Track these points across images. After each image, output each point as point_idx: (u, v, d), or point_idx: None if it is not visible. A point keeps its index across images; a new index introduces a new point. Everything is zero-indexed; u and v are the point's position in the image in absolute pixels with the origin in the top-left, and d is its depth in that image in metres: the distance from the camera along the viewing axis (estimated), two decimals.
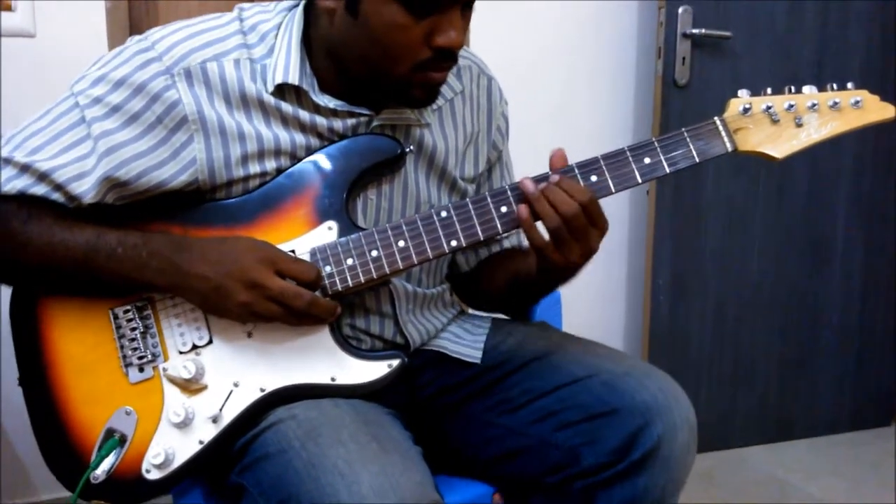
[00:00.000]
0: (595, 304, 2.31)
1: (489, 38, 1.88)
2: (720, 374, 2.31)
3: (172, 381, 0.97)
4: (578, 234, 0.93)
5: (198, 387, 0.96)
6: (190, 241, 0.95)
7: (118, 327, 0.98)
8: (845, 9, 2.20)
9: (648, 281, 2.20)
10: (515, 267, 1.12)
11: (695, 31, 2.07)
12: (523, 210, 0.94)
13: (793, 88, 1.05)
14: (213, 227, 0.98)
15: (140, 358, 0.97)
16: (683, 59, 2.10)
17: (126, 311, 0.98)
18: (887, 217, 2.38)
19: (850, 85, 1.06)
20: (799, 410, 2.40)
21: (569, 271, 1.00)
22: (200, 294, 0.94)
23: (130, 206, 0.99)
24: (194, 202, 0.99)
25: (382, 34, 0.92)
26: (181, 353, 0.98)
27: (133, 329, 0.98)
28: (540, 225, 0.95)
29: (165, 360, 0.98)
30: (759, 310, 2.31)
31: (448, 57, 0.95)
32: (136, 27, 1.86)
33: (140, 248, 0.93)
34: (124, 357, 0.98)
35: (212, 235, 0.97)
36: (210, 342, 0.98)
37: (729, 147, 1.01)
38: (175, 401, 0.96)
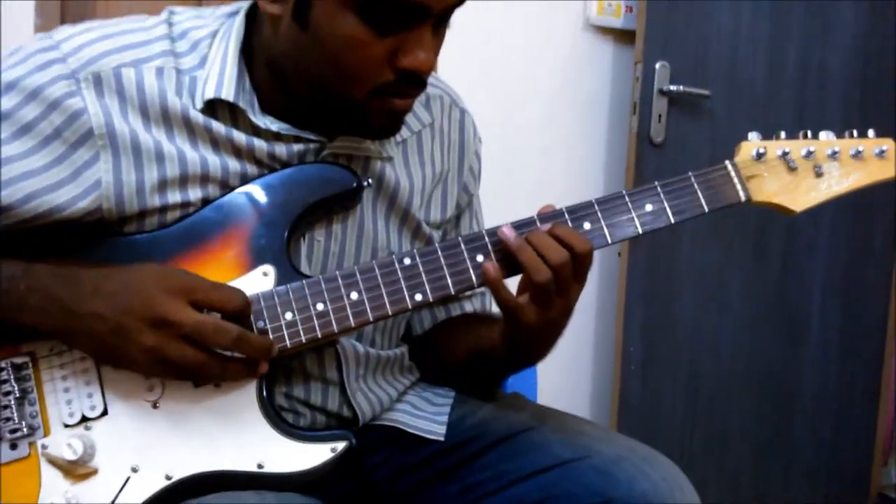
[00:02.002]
0: (560, 373, 2.17)
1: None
2: (692, 453, 2.19)
3: (53, 462, 0.77)
4: (562, 286, 0.80)
5: (85, 471, 0.77)
6: (80, 272, 0.77)
7: None
8: (825, 68, 2.18)
9: (619, 349, 2.08)
10: (477, 337, 0.95)
11: (672, 87, 2.00)
12: (490, 268, 0.80)
13: (809, 133, 0.93)
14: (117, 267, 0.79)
15: (13, 431, 0.77)
16: (660, 116, 2.01)
17: None
18: (865, 290, 2.31)
19: (871, 133, 0.94)
20: (773, 494, 2.30)
21: (544, 335, 0.86)
22: (94, 339, 0.75)
23: (13, 238, 0.80)
24: (96, 236, 0.81)
25: (336, 50, 0.77)
26: (67, 426, 0.78)
27: (6, 393, 0.78)
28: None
29: (46, 434, 0.78)
30: (733, 385, 2.22)
31: (414, 82, 0.81)
32: None
33: (17, 280, 0.75)
34: None
35: None
36: (104, 413, 0.78)
37: (742, 196, 0.88)
38: (55, 488, 0.77)
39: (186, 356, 0.74)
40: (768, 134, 0.93)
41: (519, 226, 0.83)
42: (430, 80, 0.96)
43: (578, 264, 0.80)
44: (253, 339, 0.77)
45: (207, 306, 0.76)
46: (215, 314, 0.76)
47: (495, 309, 1.04)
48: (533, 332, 0.83)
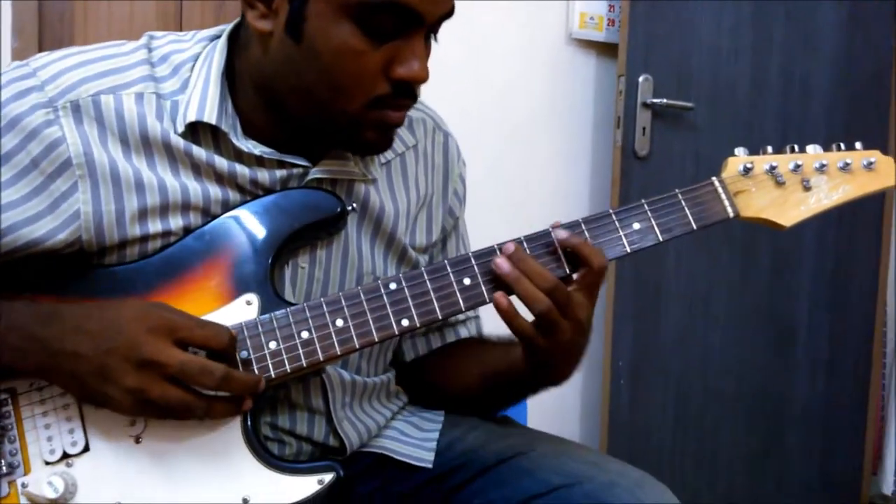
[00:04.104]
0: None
1: (436, 106, 1.76)
2: (683, 466, 2.18)
3: (34, 501, 0.75)
4: (563, 309, 0.79)
5: None
6: (61, 309, 0.75)
7: None
8: (807, 78, 2.18)
9: (608, 364, 2.05)
10: (492, 361, 0.94)
11: (656, 100, 1.99)
12: (502, 299, 0.78)
13: (796, 147, 0.92)
14: (97, 300, 0.77)
15: None
16: (644, 129, 2.00)
17: None
18: (851, 300, 2.31)
19: (858, 145, 0.94)
20: None
21: (564, 356, 0.85)
22: (75, 379, 0.73)
23: None
24: (76, 267, 0.79)
25: (332, 61, 0.76)
26: (48, 463, 0.76)
27: None
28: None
29: (26, 472, 0.76)
30: (722, 398, 2.21)
31: (408, 93, 0.80)
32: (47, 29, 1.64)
33: None
34: None
35: None
36: (86, 449, 0.76)
37: (730, 212, 0.87)
38: None
39: (170, 397, 0.72)
40: (753, 145, 0.93)
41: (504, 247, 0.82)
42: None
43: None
44: (239, 377, 0.75)
45: (192, 344, 0.74)
46: (200, 352, 0.74)
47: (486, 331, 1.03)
48: (550, 355, 0.82)
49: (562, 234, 0.81)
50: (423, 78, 0.78)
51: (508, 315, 0.78)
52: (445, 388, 0.99)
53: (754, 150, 0.92)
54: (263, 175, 0.83)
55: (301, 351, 0.78)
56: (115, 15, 1.71)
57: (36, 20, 1.63)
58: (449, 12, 0.79)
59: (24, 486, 0.75)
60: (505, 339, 0.91)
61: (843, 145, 0.92)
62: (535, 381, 0.90)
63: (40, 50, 1.63)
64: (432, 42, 0.83)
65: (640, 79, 1.99)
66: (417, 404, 1.01)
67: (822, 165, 0.90)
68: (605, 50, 2.12)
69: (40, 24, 1.64)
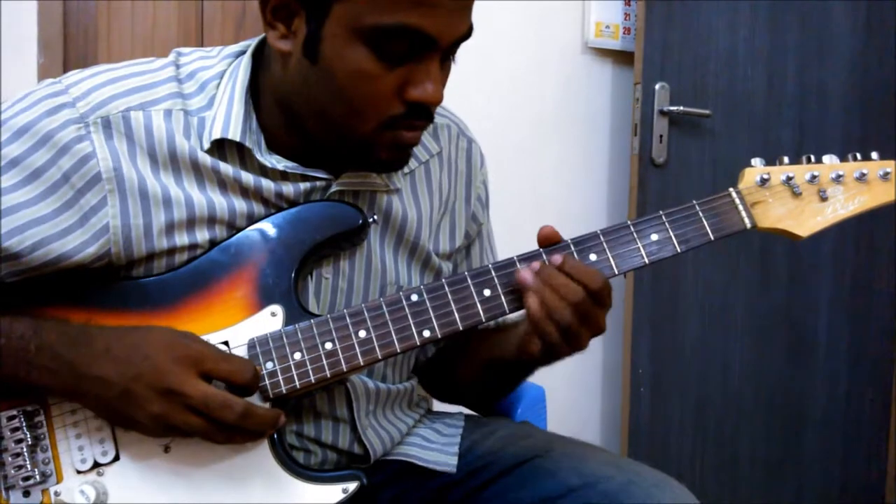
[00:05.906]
0: (570, 397, 2.15)
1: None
2: (703, 473, 2.17)
3: None
4: (585, 319, 0.79)
5: None
6: (90, 332, 0.76)
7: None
8: (823, 84, 2.17)
9: (627, 372, 2.05)
10: (490, 350, 0.96)
11: (672, 108, 1.99)
12: (534, 304, 0.79)
13: (812, 158, 0.93)
14: (126, 313, 0.80)
15: (25, 479, 0.77)
16: (661, 136, 2.01)
17: (11, 419, 0.78)
18: (871, 305, 2.29)
19: (874, 155, 0.94)
20: None
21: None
22: (102, 402, 0.76)
23: (23, 285, 0.80)
24: (104, 280, 0.81)
25: (346, 83, 0.78)
26: (79, 472, 0.78)
27: (19, 441, 0.78)
28: None
29: (59, 481, 0.78)
30: (742, 404, 2.20)
31: (422, 114, 0.81)
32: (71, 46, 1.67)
33: (28, 339, 0.75)
34: (5, 477, 0.78)
35: (124, 323, 0.78)
36: (116, 459, 0.78)
37: (748, 223, 0.88)
38: None
39: (192, 425, 0.74)
40: (770, 151, 0.93)
41: (524, 259, 0.83)
42: (438, 109, 0.97)
43: (597, 296, 0.80)
44: (259, 414, 0.76)
45: (216, 377, 0.75)
46: (223, 384, 0.76)
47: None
48: (561, 356, 0.83)
49: (556, 258, 0.81)
50: (437, 100, 0.79)
51: (538, 320, 0.79)
52: (458, 379, 1.02)
53: (771, 157, 0.92)
54: (288, 188, 0.85)
55: (325, 362, 0.79)
56: (137, 28, 1.74)
57: (61, 36, 1.66)
58: (465, 34, 0.80)
59: (56, 494, 0.77)
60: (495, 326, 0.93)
61: (859, 155, 0.92)
62: (527, 368, 0.93)
63: (65, 65, 1.67)
64: (451, 62, 0.83)
65: (657, 87, 1.99)
66: (433, 397, 1.04)
67: (839, 176, 0.90)
68: (621, 58, 2.12)
69: (65, 40, 1.67)
